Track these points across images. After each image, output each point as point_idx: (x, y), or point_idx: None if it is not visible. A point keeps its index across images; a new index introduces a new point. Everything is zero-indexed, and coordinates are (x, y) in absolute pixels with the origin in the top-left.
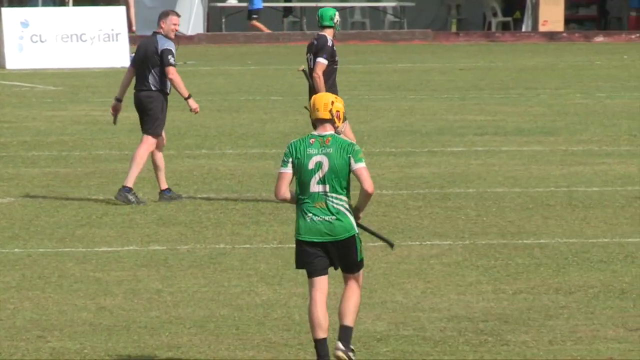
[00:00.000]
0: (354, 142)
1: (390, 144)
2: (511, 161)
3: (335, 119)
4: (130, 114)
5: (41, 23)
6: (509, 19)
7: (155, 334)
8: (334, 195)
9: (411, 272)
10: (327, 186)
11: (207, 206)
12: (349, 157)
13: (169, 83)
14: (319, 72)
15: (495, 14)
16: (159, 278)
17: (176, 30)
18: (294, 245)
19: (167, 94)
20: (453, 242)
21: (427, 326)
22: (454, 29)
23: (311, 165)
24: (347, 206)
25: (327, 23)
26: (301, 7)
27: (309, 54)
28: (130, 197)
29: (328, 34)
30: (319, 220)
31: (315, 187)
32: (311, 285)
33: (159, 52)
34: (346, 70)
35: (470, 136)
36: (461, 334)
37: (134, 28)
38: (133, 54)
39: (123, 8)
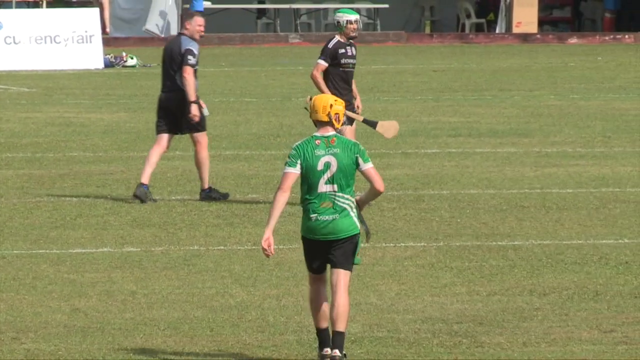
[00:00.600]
0: (358, 142)
1: (364, 145)
2: (485, 163)
3: (334, 122)
4: (104, 116)
5: (15, 25)
6: (482, 20)
7: (129, 335)
8: (341, 194)
9: (385, 273)
10: (336, 186)
11: (181, 208)
12: (356, 156)
13: (197, 83)
14: (314, 73)
15: (469, 16)
16: (133, 280)
17: (202, 32)
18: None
19: (196, 92)
20: (427, 244)
21: (401, 328)
22: (427, 30)
23: (320, 166)
24: (352, 205)
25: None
26: (275, 9)
27: None
28: (213, 194)
29: (336, 35)
30: (323, 220)
31: (323, 187)
32: (312, 279)
33: (182, 52)
34: None
35: (444, 138)
36: (435, 335)
37: (108, 30)
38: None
39: (97, 10)
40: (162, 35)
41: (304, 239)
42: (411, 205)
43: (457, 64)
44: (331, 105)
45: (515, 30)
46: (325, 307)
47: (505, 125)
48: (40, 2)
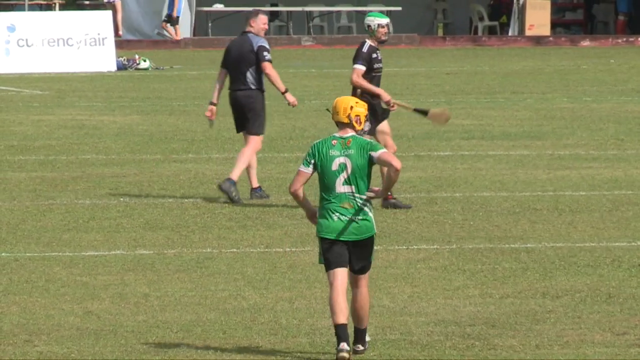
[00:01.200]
0: (372, 140)
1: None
2: (498, 165)
3: (355, 123)
4: (117, 119)
5: (28, 27)
6: (495, 23)
7: (142, 338)
8: (359, 195)
9: (398, 276)
10: (353, 187)
11: (194, 210)
12: (369, 154)
13: (264, 80)
14: (353, 78)
15: (481, 18)
16: (146, 282)
17: (266, 29)
18: (281, 249)
19: (264, 91)
20: (440, 247)
21: (414, 330)
22: (440, 33)
23: (334, 166)
24: (370, 206)
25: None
26: (287, 11)
27: None
28: (233, 190)
29: (367, 39)
30: (346, 220)
31: (341, 188)
32: (331, 276)
33: (255, 49)
34: (332, 74)
35: (457, 140)
36: (448, 338)
37: (120, 32)
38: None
39: (109, 12)
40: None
41: (323, 240)
42: (424, 207)
43: (469, 67)
44: (352, 107)
45: (527, 32)
46: (345, 305)
47: (518, 128)
48: (53, 5)
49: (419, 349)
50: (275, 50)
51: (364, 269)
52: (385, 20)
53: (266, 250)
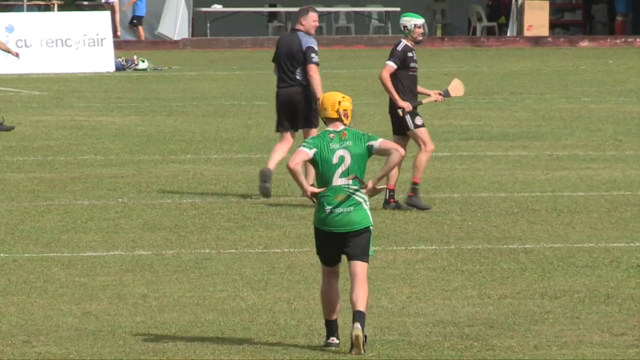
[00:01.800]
0: (367, 132)
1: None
2: (496, 166)
3: (343, 117)
4: (115, 119)
5: (26, 28)
6: (494, 23)
7: (140, 338)
8: (355, 187)
9: (396, 277)
10: (351, 179)
11: (192, 211)
12: (367, 144)
13: None
14: (382, 74)
15: (480, 19)
16: (145, 283)
17: (316, 27)
18: (280, 250)
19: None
20: (438, 247)
21: (412, 331)
22: (439, 33)
23: (335, 159)
24: (366, 198)
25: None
26: (286, 12)
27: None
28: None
29: (403, 39)
30: (338, 213)
31: (338, 181)
32: (325, 272)
33: (304, 49)
34: (331, 75)
35: (455, 141)
36: (447, 338)
37: (118, 33)
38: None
39: (108, 13)
40: (175, 39)
41: (317, 230)
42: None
43: (468, 67)
44: (339, 102)
45: (526, 33)
46: (336, 301)
47: (516, 129)
48: (52, 6)
49: (418, 350)
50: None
51: (360, 257)
52: (421, 21)
53: (264, 250)
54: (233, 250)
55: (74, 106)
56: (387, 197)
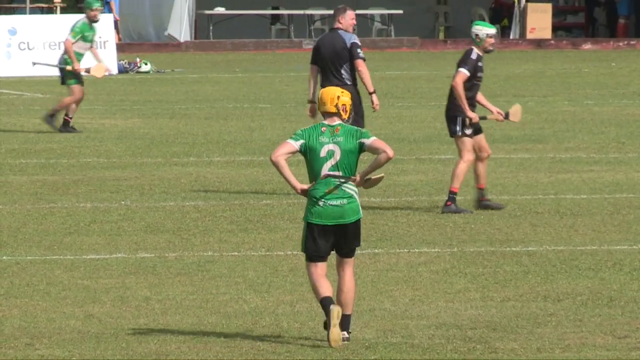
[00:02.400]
0: (360, 128)
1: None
2: (499, 169)
3: (342, 112)
4: (118, 122)
5: (29, 30)
6: (496, 26)
7: (143, 341)
8: (344, 179)
9: (399, 279)
10: (340, 172)
11: (195, 214)
12: (359, 141)
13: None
14: (457, 80)
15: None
16: (147, 286)
17: (354, 25)
18: (283, 252)
19: (357, 86)
20: (441, 250)
21: (415, 334)
22: (441, 36)
23: (323, 153)
24: (357, 190)
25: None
26: (289, 15)
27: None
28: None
29: (474, 48)
30: (331, 205)
31: (327, 174)
32: (312, 266)
33: (348, 46)
34: None
35: None
36: (449, 341)
37: (121, 36)
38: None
39: (111, 16)
40: (182, 40)
41: (309, 224)
42: (425, 211)
43: None
44: (338, 97)
45: (529, 36)
46: (327, 284)
47: (519, 131)
48: (54, 8)
49: (420, 352)
50: (276, 53)
51: (350, 253)
52: (493, 31)
53: (267, 253)
54: (236, 253)
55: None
56: (478, 197)
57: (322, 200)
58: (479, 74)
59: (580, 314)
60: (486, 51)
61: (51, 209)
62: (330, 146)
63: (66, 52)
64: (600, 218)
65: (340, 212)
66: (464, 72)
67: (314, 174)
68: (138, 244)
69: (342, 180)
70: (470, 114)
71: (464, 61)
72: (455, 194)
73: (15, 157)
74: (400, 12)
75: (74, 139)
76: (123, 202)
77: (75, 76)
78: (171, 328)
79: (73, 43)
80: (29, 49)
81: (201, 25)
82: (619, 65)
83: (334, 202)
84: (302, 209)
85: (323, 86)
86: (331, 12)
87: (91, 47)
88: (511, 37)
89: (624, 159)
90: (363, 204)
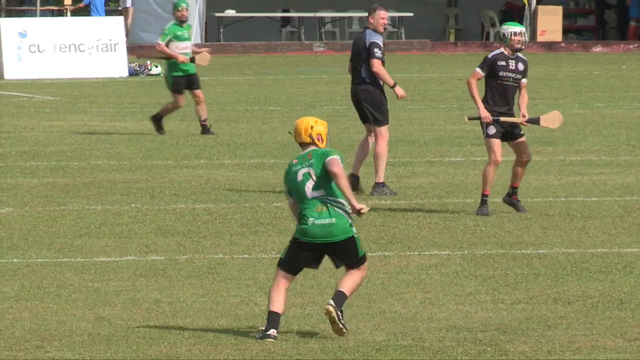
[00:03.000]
0: (331, 149)
1: (388, 154)
2: (509, 171)
3: (317, 142)
4: (128, 125)
5: (39, 33)
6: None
7: (154, 344)
8: (331, 198)
9: (410, 282)
10: (323, 190)
11: (206, 216)
12: (324, 160)
13: None
14: (469, 79)
15: (493, 24)
16: (158, 288)
17: (385, 24)
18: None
19: (382, 85)
20: (452, 252)
21: (425, 336)
22: (452, 39)
23: (299, 177)
24: (346, 209)
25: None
26: (299, 17)
27: None
28: (385, 190)
29: (501, 47)
30: (320, 224)
31: (312, 194)
32: (278, 275)
33: (367, 45)
34: (343, 80)
35: (468, 146)
36: (460, 344)
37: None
38: None
39: (121, 18)
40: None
41: (296, 241)
42: (435, 213)
43: None
44: (312, 127)
45: (539, 38)
46: (282, 299)
47: (529, 134)
48: (65, 11)
49: (431, 355)
50: (286, 56)
51: (352, 266)
52: (520, 29)
53: (278, 256)
54: (246, 256)
55: (87, 111)
56: (509, 192)
57: (312, 218)
58: (502, 73)
59: (590, 316)
60: (514, 50)
61: (62, 211)
62: (305, 170)
63: (162, 53)
64: (610, 221)
65: (327, 231)
66: (477, 71)
67: (298, 196)
68: (148, 247)
69: (331, 199)
70: (483, 113)
71: (482, 61)
72: (486, 196)
73: (25, 160)
74: (411, 14)
75: (84, 142)
76: (133, 205)
77: (176, 84)
78: (182, 330)
79: (166, 44)
80: (39, 51)
81: (211, 27)
82: (629, 68)
83: (322, 221)
84: None
85: (351, 83)
86: (342, 14)
87: (189, 45)
88: None
89: (634, 161)
90: (373, 206)
